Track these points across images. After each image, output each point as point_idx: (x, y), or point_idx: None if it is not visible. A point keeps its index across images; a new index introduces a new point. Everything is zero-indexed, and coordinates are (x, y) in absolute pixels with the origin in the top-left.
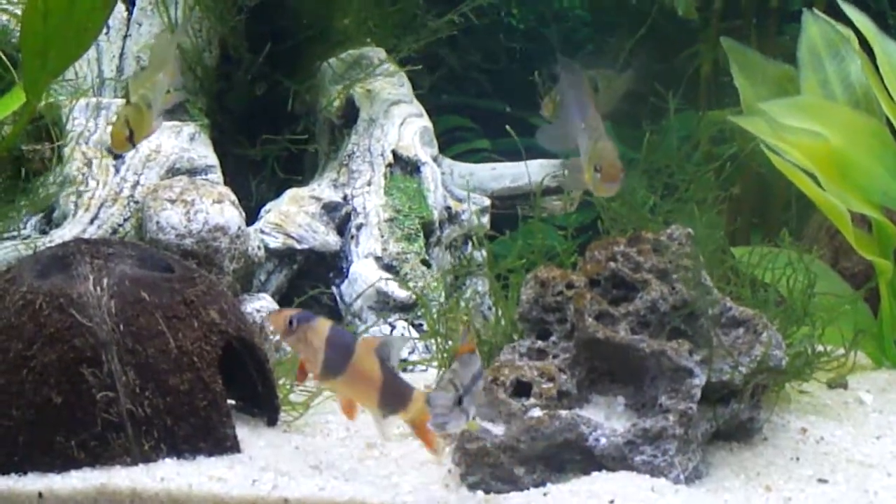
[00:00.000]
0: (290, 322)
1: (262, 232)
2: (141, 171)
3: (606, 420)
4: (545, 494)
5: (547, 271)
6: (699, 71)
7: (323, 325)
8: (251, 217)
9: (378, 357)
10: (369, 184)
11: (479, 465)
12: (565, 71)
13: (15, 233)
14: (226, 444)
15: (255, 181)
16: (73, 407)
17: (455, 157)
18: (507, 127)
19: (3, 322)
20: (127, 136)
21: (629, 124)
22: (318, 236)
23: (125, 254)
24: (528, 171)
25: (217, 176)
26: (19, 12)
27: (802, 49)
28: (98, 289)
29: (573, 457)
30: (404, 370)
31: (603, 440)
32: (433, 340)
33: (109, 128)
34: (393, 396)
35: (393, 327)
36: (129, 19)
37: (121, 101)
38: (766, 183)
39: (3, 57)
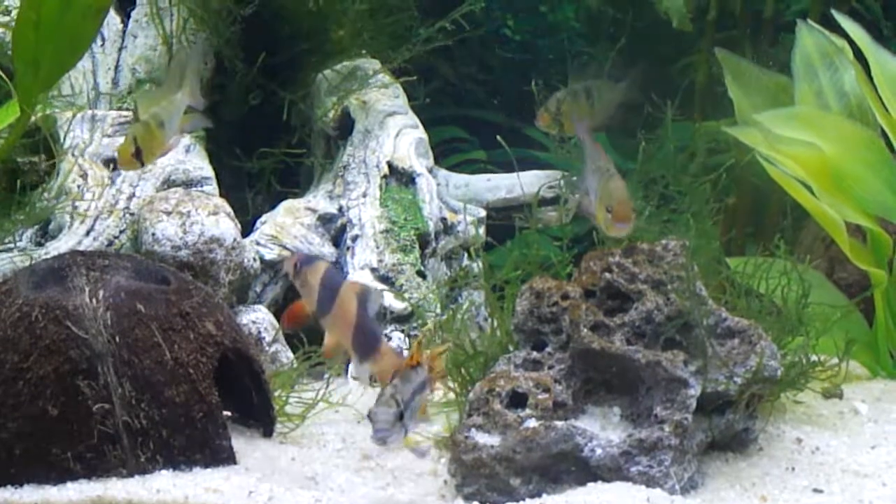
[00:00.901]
0: (296, 265)
1: (258, 243)
2: (136, 183)
3: (602, 431)
4: None
5: (542, 282)
6: (694, 81)
7: (320, 266)
8: (247, 229)
9: (358, 301)
10: (364, 195)
11: (475, 476)
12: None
13: (11, 245)
14: (222, 456)
15: (250, 193)
16: (69, 419)
17: (451, 168)
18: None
19: None
20: (133, 154)
21: (624, 134)
22: (313, 248)
23: (121, 266)
24: (523, 182)
25: (213, 187)
26: None
27: (797, 59)
28: (94, 301)
29: (569, 467)
30: None
31: (598, 451)
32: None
33: (105, 140)
34: (363, 341)
35: (389, 338)
36: (124, 31)
37: (116, 114)
38: (761, 193)
39: (0, 70)
